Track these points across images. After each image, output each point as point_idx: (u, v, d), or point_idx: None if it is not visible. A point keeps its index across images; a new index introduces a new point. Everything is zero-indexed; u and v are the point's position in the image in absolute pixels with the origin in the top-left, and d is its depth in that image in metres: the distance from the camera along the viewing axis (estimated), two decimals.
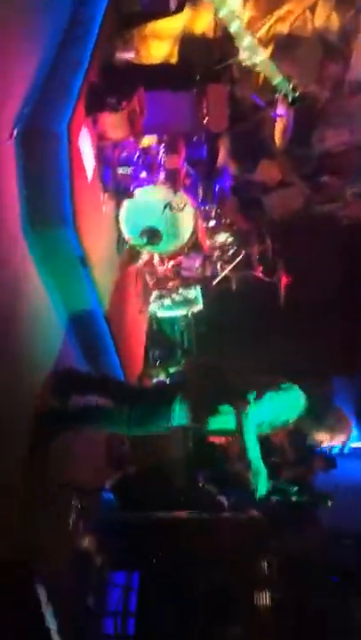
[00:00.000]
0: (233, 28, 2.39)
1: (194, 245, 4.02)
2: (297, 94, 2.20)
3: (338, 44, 4.39)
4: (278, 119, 3.78)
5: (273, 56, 4.00)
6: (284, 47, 4.36)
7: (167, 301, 5.39)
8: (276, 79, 2.15)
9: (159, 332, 6.11)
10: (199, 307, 5.45)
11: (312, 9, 4.21)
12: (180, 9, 3.91)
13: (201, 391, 2.81)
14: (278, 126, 3.87)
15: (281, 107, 3.68)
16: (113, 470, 4.41)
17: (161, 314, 5.71)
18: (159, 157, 3.37)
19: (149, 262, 4.02)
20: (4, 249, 2.57)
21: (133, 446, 4.72)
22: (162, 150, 3.37)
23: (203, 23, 4.27)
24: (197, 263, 4.75)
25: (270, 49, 2.13)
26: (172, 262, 4.48)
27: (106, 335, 3.55)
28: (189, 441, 5.04)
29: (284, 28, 4.34)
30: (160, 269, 4.16)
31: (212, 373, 2.91)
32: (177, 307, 5.52)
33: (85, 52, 3.37)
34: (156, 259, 4.16)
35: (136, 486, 4.44)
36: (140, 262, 3.97)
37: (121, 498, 4.37)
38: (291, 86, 2.15)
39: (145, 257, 4.01)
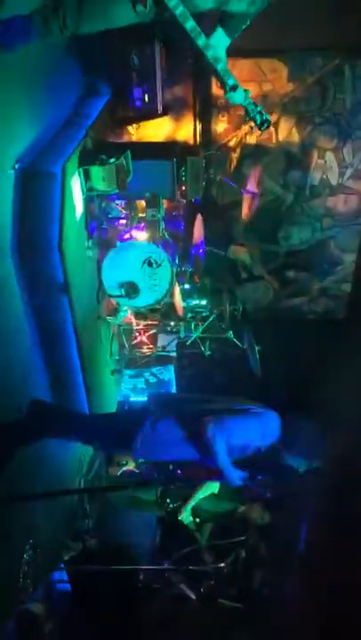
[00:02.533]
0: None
1: (169, 308, 4.26)
2: (265, 117, 2.57)
3: (298, 154, 5.16)
4: (246, 195, 4.28)
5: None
6: (253, 155, 5.14)
7: (140, 384, 5.44)
8: (246, 101, 2.54)
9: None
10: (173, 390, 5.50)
11: (276, 125, 5.03)
12: (165, 112, 4.63)
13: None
14: (246, 201, 4.37)
15: (250, 185, 4.20)
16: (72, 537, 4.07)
17: (134, 398, 5.72)
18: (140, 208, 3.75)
19: (127, 320, 4.19)
20: None
21: (99, 519, 4.43)
22: (144, 204, 3.77)
23: (185, 132, 5.05)
24: (173, 343, 4.95)
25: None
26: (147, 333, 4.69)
27: (77, 372, 3.58)
28: (160, 524, 4.74)
29: (252, 140, 5.14)
30: (136, 331, 4.30)
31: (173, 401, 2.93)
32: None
33: (81, 132, 3.94)
34: (133, 321, 4.34)
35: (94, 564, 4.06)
36: (118, 319, 4.13)
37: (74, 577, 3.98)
38: (259, 110, 2.53)
39: (123, 313, 4.19)
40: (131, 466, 5.90)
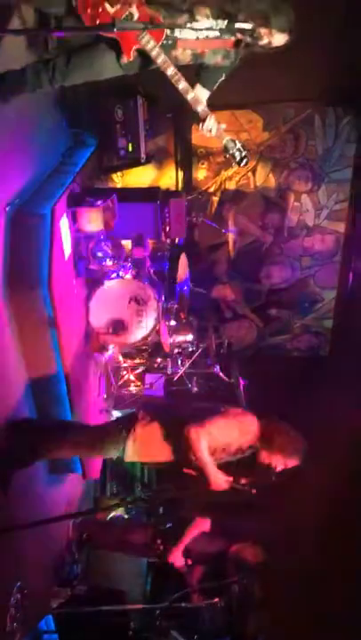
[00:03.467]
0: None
1: (156, 347, 4.34)
2: (244, 154, 2.75)
3: (275, 198, 5.44)
4: (229, 234, 4.47)
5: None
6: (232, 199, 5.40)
7: None
8: (225, 139, 2.73)
9: (118, 465, 5.97)
10: None
11: (253, 171, 5.32)
12: (148, 160, 4.89)
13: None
14: (229, 242, 4.56)
15: (230, 225, 4.41)
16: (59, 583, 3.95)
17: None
18: (127, 249, 3.90)
19: (115, 357, 4.25)
20: None
21: (87, 565, 4.31)
22: (130, 243, 3.93)
23: (167, 179, 5.32)
24: (161, 381, 5.00)
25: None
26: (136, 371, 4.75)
27: (66, 410, 3.60)
28: (150, 568, 4.62)
29: (231, 186, 5.42)
30: (123, 369, 4.36)
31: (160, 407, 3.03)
32: None
33: (69, 178, 4.12)
34: (121, 358, 4.40)
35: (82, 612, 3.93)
36: (106, 354, 4.20)
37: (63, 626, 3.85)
38: (238, 146, 2.71)
39: (110, 352, 4.26)
40: (119, 511, 5.81)
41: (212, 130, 2.70)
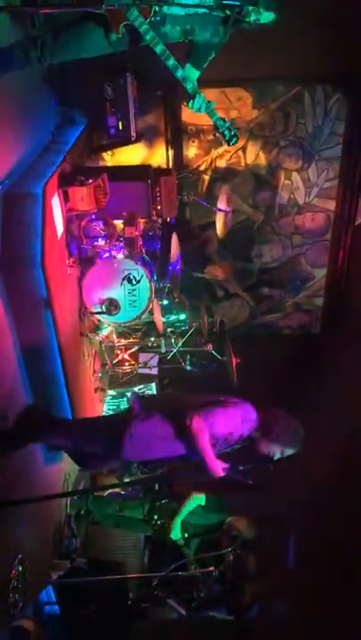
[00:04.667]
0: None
1: (149, 327, 4.38)
2: (233, 132, 2.77)
3: (266, 176, 5.44)
4: (219, 212, 4.49)
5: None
6: (223, 178, 5.40)
7: (123, 404, 5.51)
8: (214, 118, 2.75)
9: None
10: None
11: (243, 149, 5.31)
12: (139, 139, 4.87)
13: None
14: (220, 219, 4.58)
15: (221, 203, 4.42)
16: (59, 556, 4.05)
17: None
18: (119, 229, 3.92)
19: (109, 336, 4.29)
20: None
21: (86, 539, 4.42)
22: (121, 222, 3.95)
23: (158, 157, 5.30)
24: (155, 359, 5.06)
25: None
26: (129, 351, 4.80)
27: (62, 388, 3.66)
28: (148, 542, 4.74)
29: (222, 164, 5.41)
30: (117, 348, 4.41)
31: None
32: None
33: (59, 157, 4.11)
34: (115, 337, 4.45)
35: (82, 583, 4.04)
36: (101, 335, 4.24)
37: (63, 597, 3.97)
38: (227, 124, 2.73)
39: (105, 331, 4.30)
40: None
41: (200, 107, 2.72)
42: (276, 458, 2.78)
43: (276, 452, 2.77)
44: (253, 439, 2.79)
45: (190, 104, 2.72)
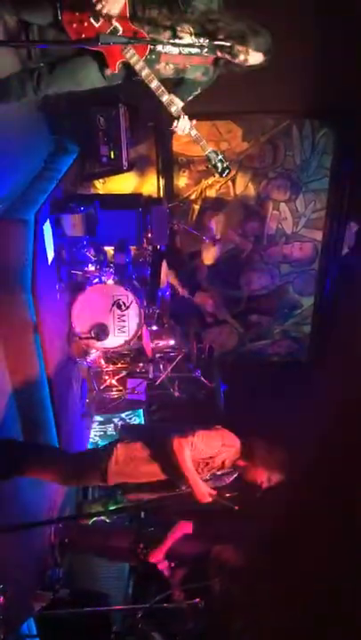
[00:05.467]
0: None
1: (138, 353, 4.40)
2: (225, 164, 2.84)
3: (255, 206, 5.56)
4: (209, 242, 4.56)
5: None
6: (213, 207, 5.51)
7: (110, 429, 5.48)
8: (207, 150, 2.82)
9: None
10: None
11: (233, 180, 5.44)
12: (130, 168, 4.96)
13: None
14: (209, 250, 4.65)
15: (211, 233, 4.49)
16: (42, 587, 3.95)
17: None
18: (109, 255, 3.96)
19: (97, 361, 4.29)
20: None
21: (70, 569, 4.32)
22: (112, 249, 3.99)
23: (149, 186, 5.39)
24: (142, 387, 5.05)
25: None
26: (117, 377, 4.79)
27: (49, 413, 3.63)
28: (133, 572, 4.65)
29: (212, 194, 5.52)
30: (105, 373, 4.40)
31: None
32: None
33: (52, 184, 4.18)
34: (103, 362, 4.44)
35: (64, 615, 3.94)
36: (89, 359, 4.24)
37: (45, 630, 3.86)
38: (220, 157, 2.80)
39: (93, 355, 4.30)
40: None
41: (185, 129, 2.78)
42: (263, 487, 2.78)
43: (263, 478, 2.78)
44: (239, 468, 2.81)
45: (175, 124, 2.78)
